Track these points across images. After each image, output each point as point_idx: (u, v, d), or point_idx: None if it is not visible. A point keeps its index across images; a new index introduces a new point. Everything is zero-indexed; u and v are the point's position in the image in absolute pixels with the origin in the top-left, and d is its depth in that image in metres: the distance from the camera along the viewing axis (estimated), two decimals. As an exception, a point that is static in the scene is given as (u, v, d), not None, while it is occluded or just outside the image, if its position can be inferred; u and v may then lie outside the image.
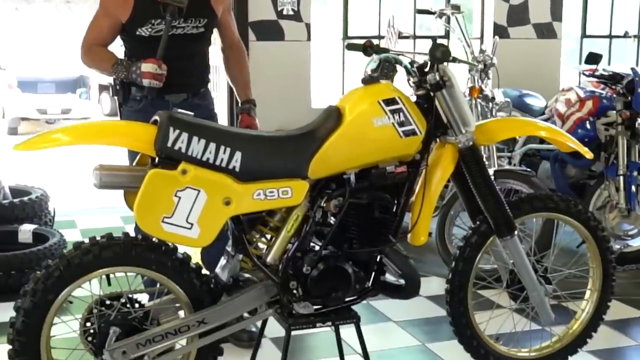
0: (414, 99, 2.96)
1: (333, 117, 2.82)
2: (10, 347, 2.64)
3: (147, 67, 3.32)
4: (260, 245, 2.88)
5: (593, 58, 5.14)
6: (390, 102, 2.82)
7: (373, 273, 2.95)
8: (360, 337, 2.93)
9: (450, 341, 3.69)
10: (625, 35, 7.59)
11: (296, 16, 6.42)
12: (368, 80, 2.90)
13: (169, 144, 2.60)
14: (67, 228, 5.41)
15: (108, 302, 2.74)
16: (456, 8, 5.22)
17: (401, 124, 2.82)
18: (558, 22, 7.24)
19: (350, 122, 2.79)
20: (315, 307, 2.86)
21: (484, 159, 3.01)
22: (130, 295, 2.77)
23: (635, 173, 4.89)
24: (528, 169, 5.09)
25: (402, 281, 2.97)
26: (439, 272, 4.74)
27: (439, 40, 2.59)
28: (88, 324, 2.73)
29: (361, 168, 2.85)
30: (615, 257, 4.74)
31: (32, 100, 17.38)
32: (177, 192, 2.61)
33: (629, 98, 4.99)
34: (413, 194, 2.97)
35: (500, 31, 6.97)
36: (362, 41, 3.14)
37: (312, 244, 2.89)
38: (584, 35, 7.62)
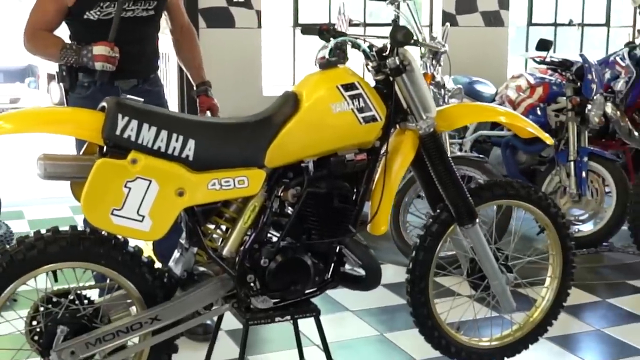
0: (373, 84, 2.80)
1: (290, 103, 2.65)
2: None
3: (99, 49, 3.10)
4: (216, 237, 2.69)
5: (544, 44, 5.04)
6: (349, 87, 2.66)
7: (333, 264, 2.79)
8: (320, 331, 2.77)
9: (408, 330, 3.56)
10: (570, 24, 7.55)
11: (247, 3, 6.23)
12: (326, 65, 2.72)
13: (118, 132, 2.40)
14: (14, 219, 5.13)
15: (55, 299, 2.53)
16: (406, -4, 5.09)
17: (361, 110, 2.66)
18: (505, 10, 7.17)
19: (308, 108, 2.62)
20: (274, 300, 2.69)
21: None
22: (78, 292, 2.56)
23: (585, 159, 4.82)
24: (481, 155, 4.99)
25: (362, 272, 2.82)
26: (394, 259, 4.61)
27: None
28: (34, 323, 2.52)
29: (320, 156, 2.68)
30: None
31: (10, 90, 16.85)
32: (127, 183, 2.41)
33: (578, 84, 4.92)
34: (373, 182, 2.81)
35: (449, 19, 6.84)
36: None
37: (269, 235, 2.72)
38: (530, 23, 7.55)
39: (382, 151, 2.79)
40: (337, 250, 2.78)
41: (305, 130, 2.62)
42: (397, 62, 2.72)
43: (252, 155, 2.57)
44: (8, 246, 2.51)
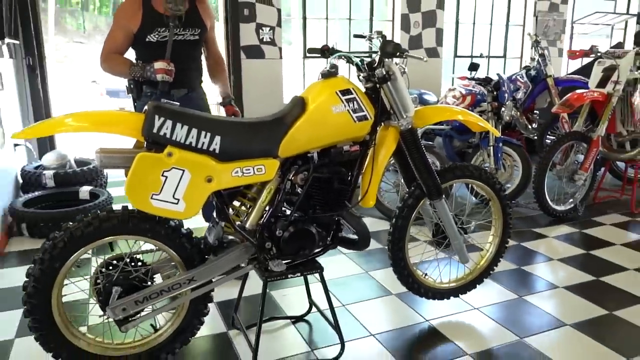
0: (364, 90, 2.05)
1: (298, 105, 1.90)
2: (24, 307, 1.72)
3: (159, 65, 2.38)
4: (240, 213, 1.95)
5: (473, 66, 4.33)
6: (345, 92, 1.91)
7: (333, 231, 2.07)
8: (323, 284, 2.05)
9: (385, 269, 2.89)
10: (481, 56, 6.81)
11: (272, 42, 5.45)
12: (327, 75, 1.96)
13: (155, 130, 1.67)
14: (117, 187, 4.38)
15: (115, 262, 1.83)
16: (380, 33, 4.27)
17: (355, 111, 1.91)
18: (440, 47, 6.41)
19: (313, 109, 1.87)
20: (286, 261, 1.97)
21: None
22: (131, 257, 1.85)
23: (500, 144, 4.10)
24: (430, 142, 4.28)
25: (356, 237, 2.10)
26: (372, 213, 3.87)
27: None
28: (98, 282, 1.81)
29: (322, 147, 1.94)
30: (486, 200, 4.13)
31: (116, 104, 15.86)
32: (163, 172, 1.69)
33: (495, 93, 4.21)
34: (364, 167, 2.07)
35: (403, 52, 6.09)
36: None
37: (283, 210, 1.99)
38: (455, 55, 6.75)
39: (371, 143, 2.04)
40: (337, 220, 2.05)
41: (311, 127, 1.87)
42: (383, 72, 1.97)
43: (268, 147, 1.83)
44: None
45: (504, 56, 7.15)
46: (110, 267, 1.83)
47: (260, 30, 5.38)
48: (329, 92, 1.89)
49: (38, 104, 4.53)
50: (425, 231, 2.65)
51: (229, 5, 5.17)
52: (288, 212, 1.98)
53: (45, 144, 4.64)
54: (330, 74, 1.95)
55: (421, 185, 2.17)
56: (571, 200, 3.91)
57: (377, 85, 2.01)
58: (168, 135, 1.67)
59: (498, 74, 4.32)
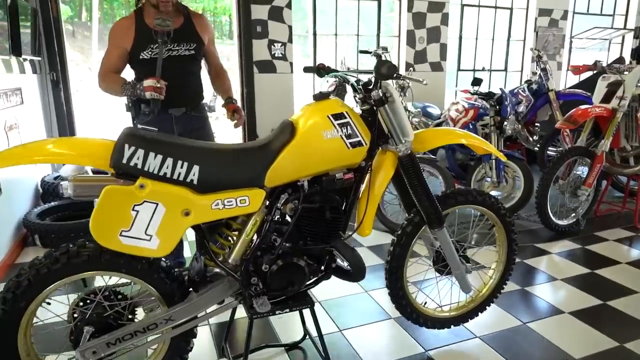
0: (359, 111, 1.70)
1: (287, 130, 1.55)
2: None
3: (147, 82, 2.04)
4: (223, 245, 1.62)
5: (477, 81, 3.92)
6: (338, 116, 1.56)
7: (326, 262, 1.72)
8: (314, 319, 1.71)
9: (386, 289, 2.53)
10: (483, 69, 6.38)
11: (284, 57, 5.11)
12: (319, 97, 1.61)
13: (124, 161, 1.34)
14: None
15: (90, 297, 1.51)
16: (384, 49, 3.96)
17: (348, 136, 1.56)
18: (444, 61, 5.99)
19: (303, 135, 1.53)
20: (276, 295, 1.63)
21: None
22: (112, 289, 1.54)
23: (503, 158, 3.70)
24: (433, 156, 3.89)
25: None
26: (375, 225, 3.50)
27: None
28: (75, 316, 1.50)
29: (313, 176, 1.60)
30: None
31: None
32: (134, 207, 1.36)
33: (497, 108, 3.81)
34: (359, 195, 1.73)
35: (409, 67, 5.74)
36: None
37: (272, 240, 1.65)
38: (458, 69, 6.34)
39: (367, 169, 1.69)
40: (330, 251, 1.71)
41: (299, 154, 1.53)
42: (380, 94, 1.61)
43: (253, 177, 1.49)
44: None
45: (505, 70, 6.69)
46: (87, 302, 1.52)
47: (272, 46, 5.04)
48: (319, 117, 1.55)
49: (62, 117, 4.27)
50: (424, 246, 2.28)
51: (243, 23, 4.85)
52: (277, 242, 1.65)
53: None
54: (323, 96, 1.61)
55: (421, 212, 1.81)
56: (573, 214, 3.50)
57: (374, 108, 1.66)
58: (139, 166, 1.35)
59: (501, 89, 3.92)
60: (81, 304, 1.51)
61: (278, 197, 1.59)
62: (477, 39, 6.39)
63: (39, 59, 3.90)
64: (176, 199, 1.39)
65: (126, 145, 1.34)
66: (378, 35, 5.76)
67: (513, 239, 2.05)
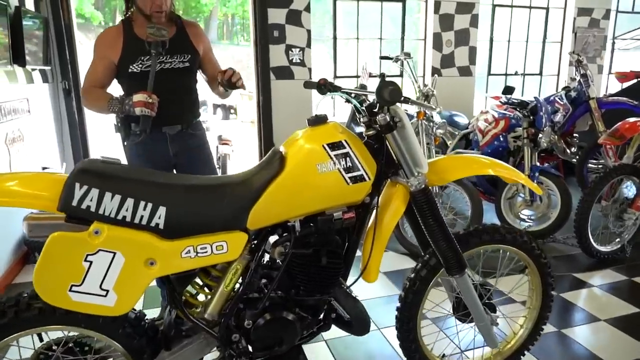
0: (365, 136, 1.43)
1: (275, 162, 1.30)
2: None
3: (137, 97, 1.82)
4: (201, 293, 1.38)
5: (508, 89, 3.57)
6: (335, 146, 1.29)
7: (322, 314, 1.46)
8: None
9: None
10: (515, 74, 5.94)
11: (302, 63, 4.88)
12: (314, 121, 1.35)
13: (75, 203, 1.11)
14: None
15: (53, 349, 1.31)
16: (407, 54, 3.67)
17: (348, 170, 1.30)
18: (473, 65, 5.62)
19: (293, 169, 1.27)
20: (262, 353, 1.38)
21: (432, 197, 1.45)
22: (76, 340, 1.33)
23: (536, 174, 3.34)
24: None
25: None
26: (394, 247, 3.22)
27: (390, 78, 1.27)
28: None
29: (306, 215, 1.34)
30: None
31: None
32: (87, 257, 1.13)
33: (531, 118, 3.44)
34: (363, 234, 1.46)
35: (435, 71, 5.40)
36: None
37: (259, 286, 1.40)
38: (489, 73, 5.93)
39: (373, 205, 1.42)
40: (327, 302, 1.45)
41: (289, 192, 1.27)
42: (387, 119, 1.34)
43: (233, 218, 1.25)
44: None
45: (540, 74, 6.25)
46: (47, 356, 1.32)
47: (290, 52, 4.81)
48: (313, 146, 1.29)
49: (74, 126, 4.17)
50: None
51: (259, 27, 4.64)
52: (264, 292, 1.40)
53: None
54: (318, 120, 1.35)
55: (437, 255, 1.53)
56: (618, 239, 3.10)
57: (381, 134, 1.39)
58: (93, 209, 1.13)
59: (535, 98, 3.55)
60: (41, 357, 1.31)
61: (264, 239, 1.35)
62: (509, 41, 5.98)
63: (49, 68, 3.80)
64: (138, 247, 1.16)
65: (77, 184, 1.12)
66: (402, 38, 5.44)
67: (549, 283, 1.74)
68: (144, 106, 1.82)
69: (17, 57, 3.10)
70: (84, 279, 1.14)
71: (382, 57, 3.91)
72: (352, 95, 1.43)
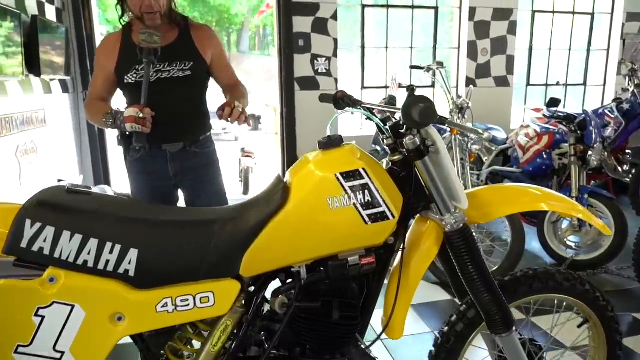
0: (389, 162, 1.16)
1: (276, 195, 1.05)
2: None
3: (128, 111, 1.63)
4: (185, 351, 1.14)
5: (553, 102, 3.21)
6: (351, 175, 1.03)
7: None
8: None
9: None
10: (557, 84, 5.53)
11: (327, 73, 4.67)
12: (326, 144, 1.10)
13: (24, 245, 0.89)
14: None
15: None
16: (440, 64, 3.37)
17: (366, 206, 1.03)
18: (511, 75, 5.25)
19: (298, 203, 1.02)
20: None
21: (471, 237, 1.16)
22: None
23: (585, 196, 2.97)
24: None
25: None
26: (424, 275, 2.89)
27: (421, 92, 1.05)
28: None
29: (314, 260, 1.08)
30: (568, 264, 3.00)
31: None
32: (38, 310, 0.91)
33: (579, 134, 3.08)
34: (384, 282, 1.19)
35: (470, 82, 5.06)
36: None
37: (260, 339, 1.15)
38: (528, 83, 5.54)
39: (397, 248, 1.15)
40: (340, 361, 1.18)
41: (293, 231, 1.02)
42: (417, 141, 1.06)
43: (222, 264, 1.00)
44: None
45: (584, 84, 5.80)
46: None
47: (316, 61, 4.59)
48: (323, 176, 1.03)
49: (93, 138, 4.07)
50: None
51: (284, 37, 4.45)
52: (261, 349, 1.14)
53: (100, 179, 4.17)
54: (331, 142, 1.09)
55: (477, 308, 1.24)
56: (684, 273, 2.70)
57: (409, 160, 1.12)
58: (47, 252, 0.91)
59: (584, 111, 3.18)
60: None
61: (263, 286, 1.09)
62: (550, 49, 5.57)
63: (69, 78, 3.71)
64: (102, 299, 0.93)
65: (28, 221, 0.90)
66: (434, 47, 5.14)
67: (617, 341, 1.41)
68: (134, 122, 1.62)
69: (32, 66, 3.01)
70: (33, 337, 0.91)
71: (412, 67, 3.63)
72: (375, 111, 1.17)
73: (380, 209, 1.03)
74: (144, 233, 0.96)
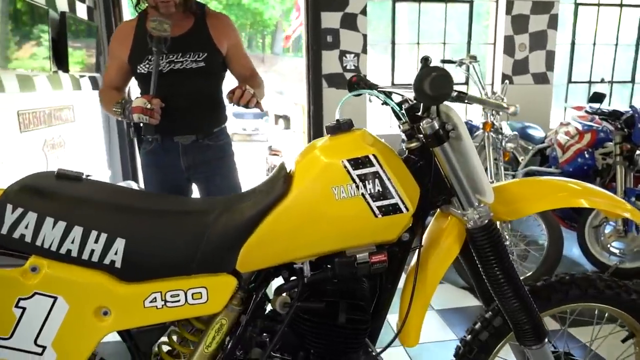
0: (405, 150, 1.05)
1: (277, 184, 0.95)
2: None
3: (135, 102, 1.58)
4: (179, 350, 1.06)
5: (597, 97, 2.99)
6: (360, 162, 0.92)
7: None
8: None
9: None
10: (602, 81, 5.18)
11: (356, 70, 4.55)
12: (334, 128, 1.00)
13: (5, 231, 0.83)
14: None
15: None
16: (473, 58, 3.19)
17: (377, 196, 0.92)
18: (550, 71, 4.98)
19: (300, 193, 0.92)
20: None
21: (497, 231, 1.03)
22: None
23: (632, 199, 2.73)
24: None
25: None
26: (452, 279, 2.74)
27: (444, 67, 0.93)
28: None
29: (318, 256, 0.98)
30: (612, 271, 2.77)
31: (240, 123, 15.86)
32: (19, 301, 0.85)
33: (625, 132, 2.84)
34: (398, 283, 1.07)
35: (506, 79, 4.82)
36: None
37: (261, 340, 1.05)
38: (569, 81, 5.24)
39: (412, 245, 1.04)
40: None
41: (294, 224, 0.92)
42: (436, 125, 0.94)
43: (217, 257, 0.92)
44: None
45: (632, 81, 5.43)
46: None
47: (344, 58, 4.49)
48: (329, 162, 0.93)
49: (122, 135, 4.12)
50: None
51: (311, 33, 4.37)
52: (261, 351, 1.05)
53: (128, 175, 4.21)
54: (340, 127, 0.99)
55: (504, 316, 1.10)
56: None
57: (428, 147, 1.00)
58: (29, 239, 0.85)
59: (632, 107, 2.94)
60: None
61: (264, 282, 1.00)
62: (594, 44, 5.25)
63: (98, 74, 3.76)
64: (86, 291, 0.86)
65: (9, 206, 0.85)
66: (469, 43, 4.94)
67: (668, 359, 1.23)
68: (142, 112, 1.57)
69: (61, 63, 3.05)
70: (13, 330, 0.86)
71: (443, 61, 3.47)
72: (390, 94, 1.06)
73: (392, 201, 0.92)
74: (132, 222, 0.89)
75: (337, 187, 0.91)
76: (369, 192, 0.91)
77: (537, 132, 3.80)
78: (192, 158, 1.78)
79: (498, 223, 2.66)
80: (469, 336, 1.17)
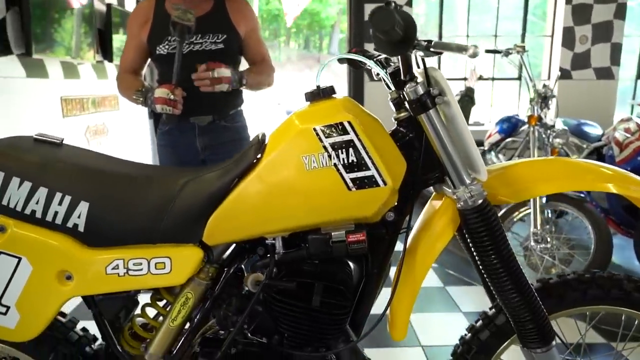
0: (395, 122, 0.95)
1: (249, 153, 0.90)
2: None
3: (158, 92, 1.56)
4: (149, 323, 1.02)
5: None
6: (334, 129, 0.84)
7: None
8: None
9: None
10: (677, 77, 4.68)
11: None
12: (314, 95, 0.91)
13: None
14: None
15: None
16: (521, 47, 2.95)
17: (350, 167, 0.83)
18: (616, 66, 4.55)
19: (268, 164, 0.85)
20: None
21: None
22: None
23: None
24: (582, 194, 2.70)
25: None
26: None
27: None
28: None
29: (291, 232, 0.91)
30: None
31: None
32: (-16, 260, 0.85)
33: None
34: (387, 267, 0.98)
35: (564, 74, 4.46)
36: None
37: (229, 319, 1.00)
38: (638, 77, 4.78)
39: (401, 226, 0.94)
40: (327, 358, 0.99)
41: (263, 195, 0.86)
42: (420, 90, 0.84)
43: (182, 227, 0.87)
44: None
45: None
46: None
47: (387, 51, 4.36)
48: (300, 130, 0.85)
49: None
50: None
51: (354, 25, 4.29)
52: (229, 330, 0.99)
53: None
54: (320, 93, 0.91)
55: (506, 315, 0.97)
56: None
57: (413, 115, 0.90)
58: (-5, 198, 0.86)
59: None
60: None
61: (236, 258, 0.95)
62: (670, 36, 4.75)
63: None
64: (49, 254, 0.85)
65: (-22, 165, 0.85)
66: (523, 35, 4.63)
67: None
68: (165, 103, 1.56)
69: (106, 52, 3.19)
70: (-22, 289, 0.86)
71: (488, 51, 3.24)
72: (375, 59, 0.97)
73: (367, 173, 0.83)
74: (97, 186, 0.87)
75: (308, 156, 0.84)
76: (342, 162, 0.83)
77: (593, 130, 3.47)
78: (208, 139, 1.77)
79: (539, 220, 2.44)
80: (468, 334, 1.05)
